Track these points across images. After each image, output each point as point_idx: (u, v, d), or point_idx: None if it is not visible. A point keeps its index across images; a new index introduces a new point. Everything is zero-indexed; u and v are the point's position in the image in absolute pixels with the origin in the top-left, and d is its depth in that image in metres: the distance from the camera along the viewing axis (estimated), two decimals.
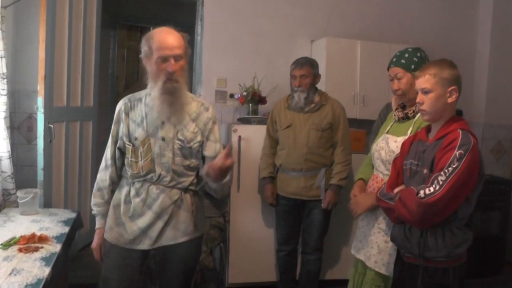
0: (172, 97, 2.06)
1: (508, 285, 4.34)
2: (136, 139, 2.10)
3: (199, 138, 2.17)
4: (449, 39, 4.87)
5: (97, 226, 2.22)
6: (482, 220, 4.37)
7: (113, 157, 2.19)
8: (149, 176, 2.12)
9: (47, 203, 3.35)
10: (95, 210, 2.22)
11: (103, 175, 2.21)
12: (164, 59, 2.01)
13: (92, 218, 2.19)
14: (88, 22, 4.00)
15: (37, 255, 2.09)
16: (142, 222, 2.12)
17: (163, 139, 2.11)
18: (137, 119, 2.11)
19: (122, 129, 2.14)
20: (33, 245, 2.20)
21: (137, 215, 2.12)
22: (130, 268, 2.14)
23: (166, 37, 2.02)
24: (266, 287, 3.76)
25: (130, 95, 2.21)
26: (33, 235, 2.29)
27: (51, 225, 2.59)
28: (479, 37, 5.04)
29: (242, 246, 3.72)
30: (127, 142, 2.12)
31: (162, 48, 2.01)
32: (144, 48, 2.04)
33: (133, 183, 2.14)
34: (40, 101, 3.29)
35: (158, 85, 2.04)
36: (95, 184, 2.24)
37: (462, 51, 4.87)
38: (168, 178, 2.13)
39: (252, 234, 3.72)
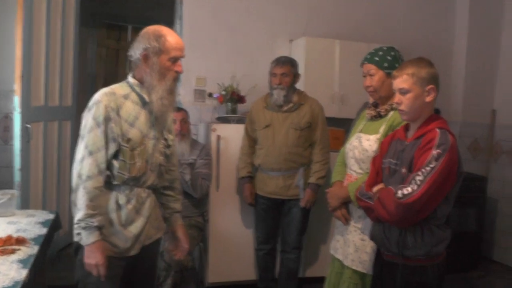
0: (173, 97, 2.08)
1: (485, 279, 4.43)
2: (130, 140, 2.00)
3: (172, 137, 2.24)
4: (427, 38, 4.94)
5: (95, 239, 1.93)
6: (459, 216, 4.43)
7: (106, 161, 1.97)
8: (142, 179, 2.07)
9: (25, 204, 3.30)
10: (95, 222, 1.92)
11: (97, 182, 1.94)
12: (176, 60, 2.02)
13: (71, 218, 2.10)
14: (66, 20, 3.95)
15: (14, 257, 2.04)
16: (135, 228, 2.07)
17: (155, 139, 2.10)
18: (128, 119, 2.01)
19: (115, 129, 1.96)
20: (9, 247, 2.15)
21: (130, 221, 2.05)
22: (119, 277, 2.09)
23: (179, 39, 2.05)
24: (246, 286, 3.77)
25: (108, 91, 2.01)
26: (9, 237, 2.24)
27: (28, 226, 2.55)
28: (456, 36, 5.11)
29: (221, 246, 3.71)
30: (123, 144, 1.99)
31: (178, 49, 2.02)
32: (153, 44, 1.99)
33: (121, 188, 2.04)
34: (16, 100, 3.24)
35: (165, 84, 2.02)
36: (84, 194, 1.92)
37: (439, 50, 4.93)
38: (155, 180, 2.13)
39: (232, 233, 3.73)
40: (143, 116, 2.05)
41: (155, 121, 2.10)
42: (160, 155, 2.15)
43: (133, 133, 2.01)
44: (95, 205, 1.94)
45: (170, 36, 2.02)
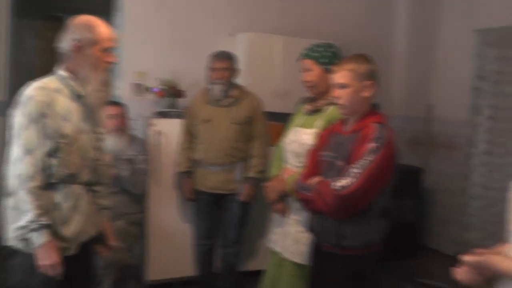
0: (108, 88, 2.04)
1: (422, 266, 4.58)
2: (65, 135, 1.91)
3: (103, 130, 2.18)
4: (369, 36, 5.03)
5: (47, 238, 1.85)
6: (398, 206, 4.57)
7: (44, 159, 1.88)
8: (79, 175, 1.99)
9: None
10: (45, 221, 1.85)
11: (38, 181, 1.86)
12: (109, 50, 1.98)
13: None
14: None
15: None
16: (73, 227, 1.98)
17: (89, 133, 2.03)
18: (62, 113, 1.92)
19: (50, 125, 1.88)
20: None
21: (68, 220, 1.97)
22: (61, 278, 1.98)
23: (110, 29, 2.00)
24: (187, 282, 3.75)
25: (39, 85, 1.93)
26: None
27: None
28: (396, 34, 5.25)
29: (162, 242, 3.67)
30: (59, 140, 1.90)
31: (110, 39, 1.98)
32: (85, 35, 1.93)
33: (57, 187, 1.94)
34: None
35: (99, 75, 1.97)
36: (28, 195, 1.84)
37: (380, 48, 5.03)
38: (90, 176, 2.06)
39: (172, 229, 3.69)
40: (77, 110, 1.98)
41: (89, 115, 2.03)
42: (94, 150, 2.08)
43: (68, 128, 1.93)
44: (41, 204, 1.86)
45: (102, 27, 1.98)
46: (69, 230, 1.97)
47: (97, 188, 2.17)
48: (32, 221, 1.83)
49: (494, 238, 4.32)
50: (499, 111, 4.47)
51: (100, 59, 1.97)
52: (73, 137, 1.94)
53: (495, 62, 4.49)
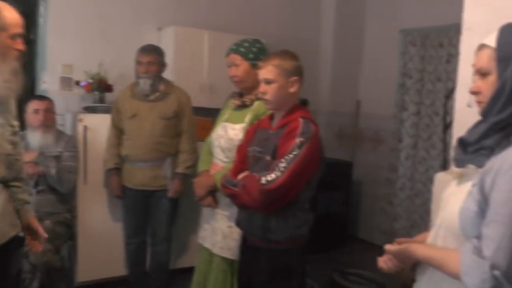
0: (19, 78, 1.91)
1: (350, 256, 4.75)
2: None
3: (17, 123, 2.06)
4: (295, 33, 5.10)
5: None
6: (327, 199, 4.70)
7: None
8: None
9: None
10: None
11: None
12: (16, 37, 1.85)
13: None
14: None
15: None
16: None
17: (1, 127, 1.90)
18: None
19: None
20: None
21: None
22: None
23: (16, 13, 1.86)
24: (117, 282, 3.67)
25: None
26: None
27: None
28: (323, 31, 5.38)
29: (91, 242, 3.57)
30: None
31: (17, 25, 1.85)
32: None
33: None
34: None
35: (9, 65, 1.85)
36: None
37: (307, 44, 5.13)
38: (5, 172, 1.94)
39: (101, 228, 3.60)
40: None
41: (1, 108, 1.91)
42: (8, 144, 1.96)
43: None
44: None
45: (7, 11, 1.85)
46: None
47: (15, 183, 2.06)
48: None
49: (419, 227, 4.58)
50: (423, 107, 4.71)
51: (8, 47, 1.85)
52: None
53: (419, 61, 4.71)
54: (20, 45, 1.89)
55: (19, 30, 1.87)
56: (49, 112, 3.22)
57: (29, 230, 2.17)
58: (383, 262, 1.47)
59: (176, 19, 4.33)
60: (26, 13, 5.19)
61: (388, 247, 1.44)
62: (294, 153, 1.91)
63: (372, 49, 5.25)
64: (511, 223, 1.12)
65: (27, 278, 2.93)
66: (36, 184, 3.12)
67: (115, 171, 3.39)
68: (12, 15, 1.85)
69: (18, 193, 2.08)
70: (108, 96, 3.89)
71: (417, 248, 1.36)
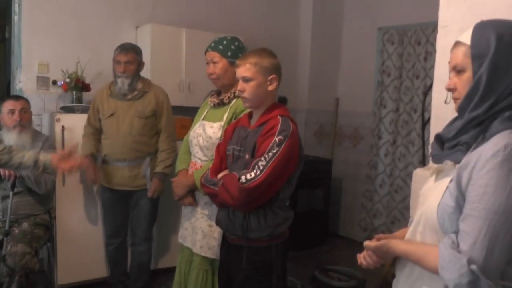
0: None
1: (331, 253, 4.78)
2: None
3: None
4: (274, 31, 5.11)
5: None
6: (307, 196, 4.72)
7: None
8: None
9: None
10: None
11: None
12: None
13: None
14: None
15: None
16: None
17: None
18: None
19: None
20: None
21: None
22: None
23: None
24: (98, 284, 3.65)
25: None
26: None
27: None
28: (301, 29, 5.39)
29: (70, 244, 3.53)
30: None
31: None
32: None
33: None
34: None
35: None
36: None
37: (286, 43, 5.14)
38: None
39: (81, 229, 3.56)
40: None
41: None
42: None
43: None
44: None
45: None
46: None
47: None
48: None
49: (399, 223, 4.63)
50: (401, 104, 4.76)
51: None
52: None
53: (397, 58, 4.77)
54: None
55: None
56: (25, 112, 3.18)
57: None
58: (363, 258, 1.48)
59: (154, 17, 4.31)
60: (1, 11, 5.16)
61: (367, 243, 1.45)
62: (274, 151, 1.91)
63: (350, 47, 5.29)
64: (487, 218, 1.14)
65: (5, 281, 2.87)
66: (13, 186, 3.07)
67: (91, 158, 3.32)
68: None
69: None
70: (86, 95, 3.85)
71: (396, 243, 1.37)
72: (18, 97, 3.25)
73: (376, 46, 4.95)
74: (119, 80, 3.24)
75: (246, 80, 2.03)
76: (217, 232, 2.35)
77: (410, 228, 1.42)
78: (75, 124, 3.49)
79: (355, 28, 5.20)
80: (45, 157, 2.30)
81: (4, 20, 5.26)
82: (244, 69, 2.03)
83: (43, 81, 3.93)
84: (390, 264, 1.47)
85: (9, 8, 4.08)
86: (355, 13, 5.20)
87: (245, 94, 2.04)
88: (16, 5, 3.90)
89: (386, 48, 4.83)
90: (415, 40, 4.62)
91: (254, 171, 1.90)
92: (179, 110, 3.81)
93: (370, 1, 5.02)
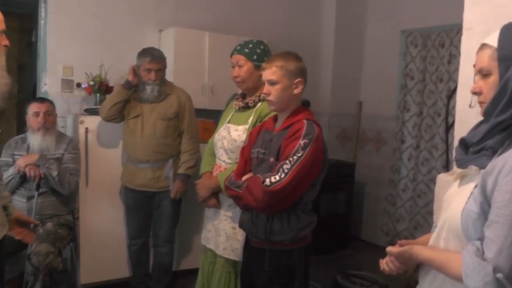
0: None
1: (353, 257, 4.74)
2: None
3: None
4: (296, 34, 5.09)
5: None
6: (330, 200, 4.69)
7: None
8: None
9: None
10: None
11: None
12: (2, 33, 1.82)
13: None
14: None
15: None
16: None
17: None
18: None
19: None
20: None
21: None
22: None
23: None
24: (120, 284, 3.67)
25: None
26: None
27: None
28: (324, 31, 5.37)
29: (93, 244, 3.57)
30: None
31: (2, 22, 1.82)
32: None
33: None
34: None
35: (0, 61, 1.81)
36: None
37: (308, 45, 5.11)
38: None
39: (103, 230, 3.59)
40: None
41: None
42: None
43: None
44: None
45: None
46: None
47: None
48: None
49: (422, 228, 4.56)
50: (425, 108, 4.69)
51: None
52: None
53: (420, 61, 4.70)
54: (6, 41, 1.86)
55: (3, 26, 1.85)
56: (50, 114, 3.22)
57: (20, 223, 2.15)
58: (385, 264, 1.46)
59: (177, 21, 4.33)
60: (27, 16, 5.27)
61: (390, 248, 1.43)
62: (298, 154, 1.90)
63: (373, 50, 5.25)
64: None
65: (30, 280, 2.92)
66: (38, 187, 3.12)
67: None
68: None
69: (2, 191, 2.07)
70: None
71: (419, 250, 1.35)
72: (43, 100, 3.30)
73: (399, 49, 4.90)
74: (148, 88, 3.27)
75: (272, 83, 2.03)
76: (240, 234, 2.35)
77: (434, 234, 1.39)
78: (98, 126, 3.54)
79: (378, 30, 5.15)
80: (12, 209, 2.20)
81: (30, 25, 5.36)
82: (270, 72, 2.04)
83: (68, 84, 3.99)
84: (413, 270, 1.45)
85: (35, 13, 4.16)
86: (378, 15, 5.15)
87: (271, 97, 2.04)
88: (43, 10, 3.97)
89: (410, 51, 4.78)
90: (439, 42, 4.55)
91: (279, 174, 1.90)
92: (201, 113, 3.83)
93: (393, 3, 4.97)
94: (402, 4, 4.86)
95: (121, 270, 3.66)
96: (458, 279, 1.18)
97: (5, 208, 2.06)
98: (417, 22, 4.69)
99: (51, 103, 3.28)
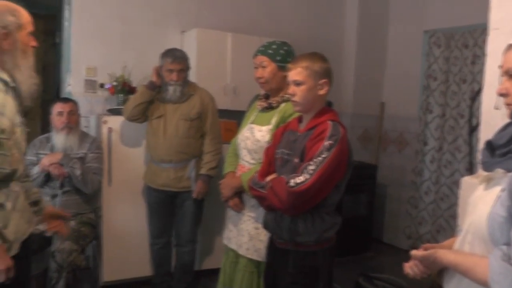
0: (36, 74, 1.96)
1: (375, 260, 4.70)
2: (4, 130, 1.80)
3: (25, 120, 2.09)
4: (318, 34, 5.06)
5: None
6: (351, 202, 4.65)
7: None
8: (16, 171, 1.89)
9: None
10: None
11: None
12: (31, 34, 1.91)
13: None
14: None
15: None
16: (14, 226, 1.88)
17: (21, 125, 1.93)
18: None
19: None
20: None
21: (9, 220, 1.86)
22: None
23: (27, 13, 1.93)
24: (142, 282, 3.70)
25: None
26: None
27: None
28: (347, 33, 5.33)
29: (116, 242, 3.60)
30: (1, 136, 1.80)
31: (31, 22, 1.91)
32: (11, 20, 1.84)
33: None
34: None
35: (29, 61, 1.90)
36: None
37: (330, 46, 5.08)
38: (22, 170, 1.96)
39: (126, 228, 3.62)
40: (9, 102, 1.87)
41: (19, 106, 1.93)
42: (25, 142, 2.00)
43: (5, 123, 1.82)
44: None
45: (22, 10, 1.91)
46: (9, 231, 1.87)
47: (25, 179, 2.08)
48: None
49: (445, 232, 4.50)
50: (448, 109, 4.63)
51: (27, 44, 1.90)
52: (10, 131, 1.84)
53: (443, 62, 4.64)
54: (34, 42, 1.93)
55: (32, 28, 1.92)
56: (73, 114, 3.26)
57: (52, 217, 2.23)
58: (409, 268, 1.44)
59: (199, 22, 4.35)
60: (51, 17, 5.35)
61: (414, 252, 1.41)
62: (323, 155, 1.89)
63: (396, 50, 5.20)
64: None
65: (54, 277, 2.96)
66: (62, 185, 3.17)
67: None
68: (26, 13, 1.91)
69: (32, 187, 2.11)
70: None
71: (444, 254, 1.33)
72: (67, 100, 3.34)
73: (422, 50, 4.84)
74: (171, 88, 3.28)
75: (297, 84, 2.03)
76: (263, 234, 2.35)
77: (459, 238, 1.37)
78: (121, 126, 3.57)
79: (400, 31, 5.10)
80: (43, 203, 2.26)
81: (54, 26, 5.45)
82: (296, 73, 2.03)
83: (91, 85, 4.03)
84: (437, 274, 1.43)
85: (59, 15, 4.21)
86: (401, 15, 5.10)
87: (296, 98, 2.04)
88: (67, 12, 4.02)
89: (433, 51, 4.71)
90: (463, 43, 4.48)
91: (303, 175, 1.89)
92: (224, 113, 3.84)
93: (416, 3, 4.92)
94: (425, 4, 4.81)
95: (143, 268, 3.68)
96: (484, 284, 1.16)
97: (37, 203, 2.13)
98: (441, 22, 4.63)
99: (74, 103, 3.32)
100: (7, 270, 1.81)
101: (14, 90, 1.90)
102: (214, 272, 2.89)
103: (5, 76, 1.86)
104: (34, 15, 1.96)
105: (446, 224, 4.59)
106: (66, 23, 4.04)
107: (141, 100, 3.33)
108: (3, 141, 1.82)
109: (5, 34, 1.84)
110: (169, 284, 3.56)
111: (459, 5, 4.43)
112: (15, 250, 1.91)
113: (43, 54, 5.57)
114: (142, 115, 3.38)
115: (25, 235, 2.01)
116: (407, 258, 1.45)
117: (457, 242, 1.37)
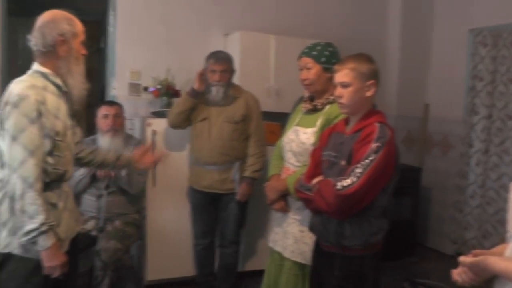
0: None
1: (420, 265, 4.58)
2: (58, 133, 1.91)
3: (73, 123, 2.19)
4: (361, 35, 5.00)
5: (53, 239, 1.86)
6: (396, 205, 4.56)
7: (44, 158, 1.87)
8: (67, 172, 2.00)
9: None
10: (51, 222, 1.85)
11: (41, 183, 1.84)
12: (83, 43, 2.02)
13: None
14: None
15: None
16: (65, 225, 1.99)
17: (72, 128, 2.04)
18: (53, 111, 1.90)
19: (47, 124, 1.87)
20: None
21: (60, 220, 1.97)
22: (53, 279, 1.97)
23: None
24: (185, 282, 3.72)
25: (28, 84, 1.88)
26: None
27: None
28: (390, 33, 5.25)
29: (159, 242, 3.64)
30: (56, 138, 1.90)
31: (83, 33, 2.03)
32: (67, 29, 1.95)
33: (50, 186, 1.92)
34: None
35: (80, 68, 2.00)
36: (36, 197, 1.81)
37: (373, 47, 4.98)
38: (72, 171, 2.08)
39: (170, 229, 3.66)
40: (63, 106, 1.99)
41: (70, 110, 2.05)
42: (75, 144, 2.13)
43: (59, 126, 1.93)
44: (46, 206, 1.85)
45: (76, 20, 2.02)
46: (61, 229, 1.97)
47: (90, 155, 2.31)
48: (42, 224, 1.82)
49: (492, 237, 4.36)
50: (495, 111, 4.48)
51: (79, 52, 2.01)
52: (63, 133, 1.95)
53: (490, 62, 4.50)
54: (84, 50, 2.04)
55: (83, 37, 2.04)
56: (118, 117, 3.32)
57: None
58: (458, 275, 1.40)
59: (242, 24, 4.36)
60: (97, 23, 5.49)
61: (463, 259, 1.37)
62: (371, 158, 1.87)
63: (440, 50, 5.07)
64: None
65: (99, 275, 3.03)
66: (107, 186, 3.24)
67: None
68: (80, 24, 2.02)
69: (99, 155, 2.39)
70: (175, 101, 3.98)
71: (494, 261, 1.28)
72: (112, 103, 3.42)
73: (467, 49, 4.71)
74: (213, 89, 3.29)
75: (344, 85, 2.01)
76: (308, 237, 2.34)
77: (510, 245, 1.32)
78: (165, 128, 3.60)
79: (445, 30, 4.98)
80: (127, 154, 2.49)
81: (98, 32, 5.58)
82: (342, 75, 2.01)
83: (135, 88, 4.11)
84: (485, 282, 1.38)
85: (105, 20, 4.32)
86: (445, 14, 4.97)
87: (343, 100, 2.02)
88: (111, 17, 4.13)
89: (478, 51, 4.57)
90: (511, 42, 4.34)
91: (351, 178, 1.87)
92: (267, 115, 3.83)
93: (461, 1, 4.79)
94: (471, 1, 4.67)
95: (186, 268, 3.70)
96: None
97: (119, 157, 2.44)
98: (487, 20, 4.49)
99: (119, 106, 3.39)
100: (61, 265, 1.90)
101: (66, 94, 2.01)
102: (257, 274, 2.88)
103: (58, 81, 1.97)
104: (81, 22, 2.05)
105: (492, 230, 4.44)
106: (111, 29, 4.14)
107: (183, 107, 3.35)
108: (58, 143, 1.92)
109: (62, 41, 1.94)
110: (212, 284, 3.57)
111: (506, 2, 4.28)
112: (65, 247, 2.01)
113: (88, 59, 5.71)
114: (184, 122, 3.40)
115: (74, 234, 2.11)
116: (452, 263, 1.41)
117: (509, 248, 1.32)
